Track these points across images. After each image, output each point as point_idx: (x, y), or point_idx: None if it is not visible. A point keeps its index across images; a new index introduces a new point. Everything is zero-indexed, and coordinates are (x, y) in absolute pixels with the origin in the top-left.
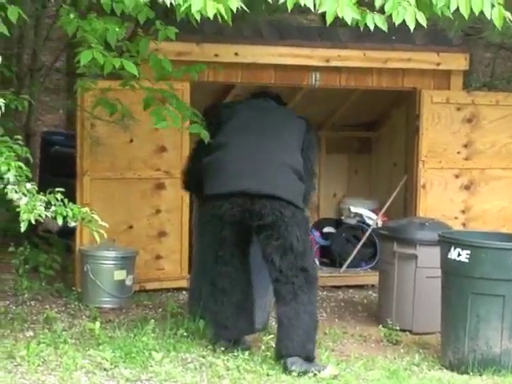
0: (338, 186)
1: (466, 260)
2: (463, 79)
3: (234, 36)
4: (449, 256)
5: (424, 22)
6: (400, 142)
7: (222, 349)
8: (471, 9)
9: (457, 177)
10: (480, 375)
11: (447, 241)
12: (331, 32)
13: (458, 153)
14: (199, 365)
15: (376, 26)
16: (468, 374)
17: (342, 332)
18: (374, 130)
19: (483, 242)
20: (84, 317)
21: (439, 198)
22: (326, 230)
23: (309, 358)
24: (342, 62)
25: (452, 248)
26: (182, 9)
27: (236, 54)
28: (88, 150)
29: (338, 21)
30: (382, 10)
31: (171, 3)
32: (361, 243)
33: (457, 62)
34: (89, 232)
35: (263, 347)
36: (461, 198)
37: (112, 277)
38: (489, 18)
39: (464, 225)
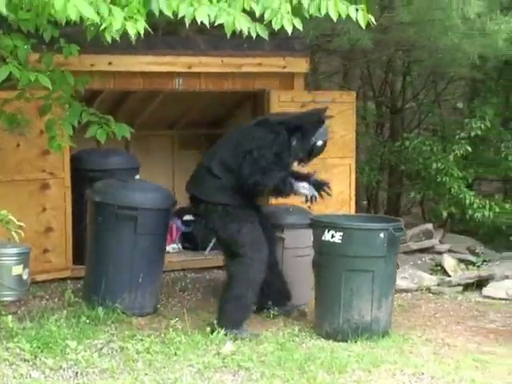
0: None
1: (339, 241)
2: (305, 80)
3: (108, 47)
4: (323, 238)
5: (300, 27)
6: None
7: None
8: (338, 12)
9: (302, 166)
10: (355, 342)
11: (321, 225)
12: (192, 41)
13: None
14: (110, 350)
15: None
16: (345, 341)
17: None
18: (220, 127)
19: (355, 225)
20: None
21: None
22: (186, 217)
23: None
24: (202, 68)
25: (326, 231)
26: (102, 27)
27: (110, 63)
28: None
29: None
30: (261, 18)
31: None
32: None
33: (299, 65)
34: None
35: (170, 330)
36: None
37: (10, 272)
38: (354, 19)
39: (309, 207)
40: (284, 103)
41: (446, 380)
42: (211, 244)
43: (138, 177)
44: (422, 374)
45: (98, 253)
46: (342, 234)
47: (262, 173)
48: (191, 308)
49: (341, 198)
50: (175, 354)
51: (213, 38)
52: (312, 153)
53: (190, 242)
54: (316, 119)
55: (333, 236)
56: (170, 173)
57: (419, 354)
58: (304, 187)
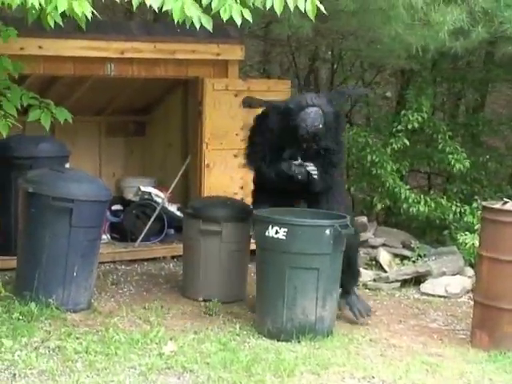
0: (116, 167)
1: (284, 237)
2: (239, 68)
3: (38, 30)
4: (266, 234)
5: (250, 18)
6: (175, 124)
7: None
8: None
9: (235, 156)
10: (299, 342)
11: (265, 220)
12: (125, 26)
13: (236, 135)
14: (47, 349)
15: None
16: (288, 341)
17: (160, 306)
18: (147, 114)
19: (300, 221)
20: None
21: (221, 176)
22: (115, 207)
23: None
24: (135, 53)
25: (270, 226)
26: (49, 9)
27: (40, 47)
28: None
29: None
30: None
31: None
32: (152, 219)
33: (234, 52)
34: None
35: (110, 329)
36: (239, 176)
37: None
38: (303, 10)
39: (243, 199)
40: (218, 91)
41: None
42: (142, 235)
43: (67, 165)
44: (373, 377)
45: (30, 246)
46: (286, 230)
47: (247, 159)
48: (125, 303)
49: None
50: (115, 353)
51: (146, 23)
52: (297, 136)
53: (119, 233)
54: (300, 103)
55: (277, 232)
56: (97, 160)
57: (366, 355)
58: (290, 169)
